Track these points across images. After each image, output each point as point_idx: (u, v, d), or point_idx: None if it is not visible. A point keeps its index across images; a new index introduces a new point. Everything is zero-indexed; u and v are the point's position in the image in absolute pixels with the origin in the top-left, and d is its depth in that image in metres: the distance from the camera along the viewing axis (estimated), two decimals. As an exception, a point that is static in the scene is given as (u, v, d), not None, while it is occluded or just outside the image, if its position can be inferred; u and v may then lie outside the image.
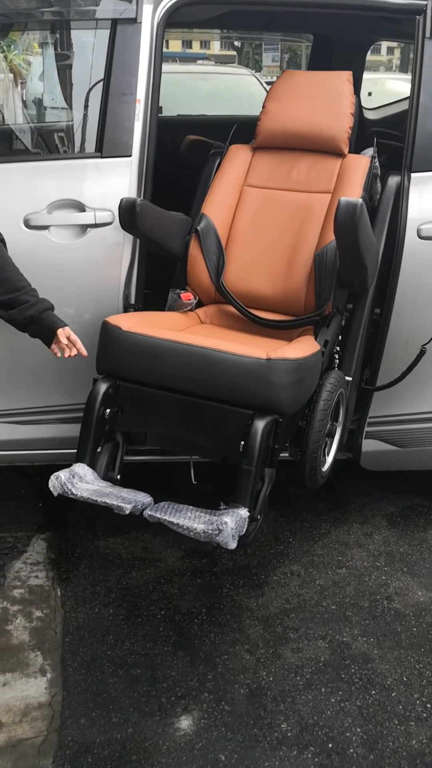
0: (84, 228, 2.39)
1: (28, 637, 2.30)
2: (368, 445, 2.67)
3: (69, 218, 2.38)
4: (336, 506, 3.03)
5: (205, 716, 2.07)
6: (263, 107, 2.67)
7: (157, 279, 2.57)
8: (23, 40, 3.71)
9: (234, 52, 21.08)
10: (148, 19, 2.37)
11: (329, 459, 2.39)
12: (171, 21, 2.44)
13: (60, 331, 2.17)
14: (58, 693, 2.12)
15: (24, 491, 3.04)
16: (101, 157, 2.40)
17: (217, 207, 2.61)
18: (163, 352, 2.15)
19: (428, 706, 2.12)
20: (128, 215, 2.30)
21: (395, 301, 2.46)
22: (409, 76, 2.75)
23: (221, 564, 2.68)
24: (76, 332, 2.33)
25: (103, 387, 2.17)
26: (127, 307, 2.50)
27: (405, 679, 2.21)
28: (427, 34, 2.37)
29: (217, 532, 1.90)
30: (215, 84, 7.51)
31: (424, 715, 2.09)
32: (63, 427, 2.58)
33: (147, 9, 2.37)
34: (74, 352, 2.19)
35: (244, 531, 1.97)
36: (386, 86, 7.58)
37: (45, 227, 2.36)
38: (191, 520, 1.96)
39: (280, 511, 2.99)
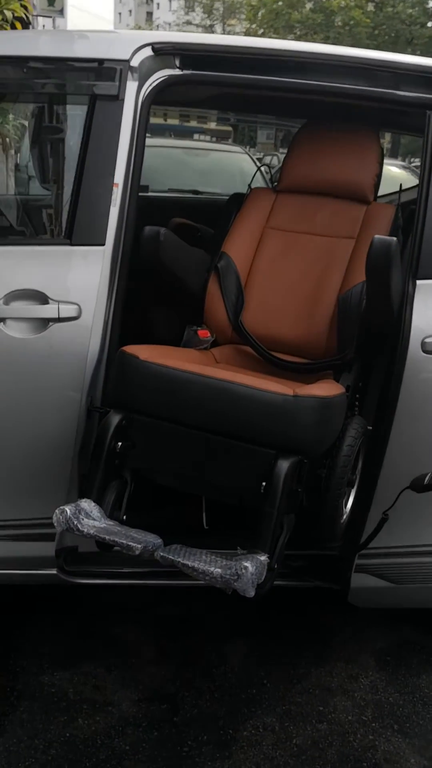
0: (45, 322, 2.10)
1: None
2: (358, 579, 2.34)
3: (29, 311, 2.09)
4: (317, 639, 2.68)
5: None
6: (288, 152, 2.65)
7: None
8: None
9: (230, 128, 21.43)
10: (132, 97, 2.15)
11: (347, 510, 2.22)
12: (157, 99, 2.22)
13: None
14: None
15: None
16: (71, 244, 2.13)
17: (238, 247, 2.58)
18: (183, 385, 2.01)
19: None
20: (152, 244, 2.27)
21: (395, 420, 2.17)
22: (398, 161, 2.65)
23: (183, 711, 2.30)
24: (29, 441, 2.09)
25: (115, 419, 2.02)
26: (91, 411, 2.20)
27: None
28: None
29: (236, 577, 1.76)
30: (209, 160, 7.47)
31: None
32: (7, 545, 2.24)
33: (131, 86, 2.14)
34: None
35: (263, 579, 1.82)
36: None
37: (1, 320, 2.08)
38: (207, 563, 1.83)
39: (254, 641, 2.63)
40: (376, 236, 2.02)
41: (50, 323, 2.10)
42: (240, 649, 2.59)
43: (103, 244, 2.14)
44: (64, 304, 2.10)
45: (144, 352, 2.08)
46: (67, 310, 2.10)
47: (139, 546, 1.87)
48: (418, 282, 2.16)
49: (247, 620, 2.73)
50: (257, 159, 8.28)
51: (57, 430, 2.17)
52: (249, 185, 2.73)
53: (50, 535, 2.25)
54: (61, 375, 2.14)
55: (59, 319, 2.10)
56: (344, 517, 2.25)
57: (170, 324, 2.98)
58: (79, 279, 2.13)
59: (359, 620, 2.77)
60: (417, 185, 2.36)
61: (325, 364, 2.40)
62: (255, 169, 7.78)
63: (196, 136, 14.79)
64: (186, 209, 3.65)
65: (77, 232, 2.13)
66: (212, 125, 21.16)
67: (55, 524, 1.91)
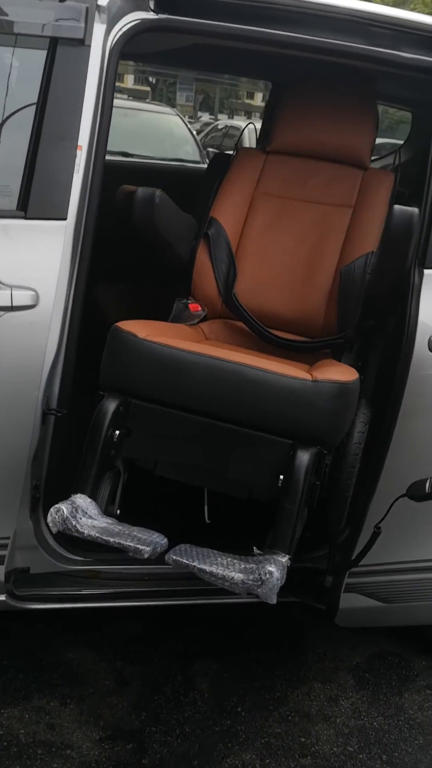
0: (-5, 311, 1.76)
1: None
2: (347, 599, 2.12)
3: (-25, 297, 1.74)
4: (290, 655, 2.46)
5: None
6: (279, 109, 2.41)
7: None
8: None
9: (148, 88, 20.74)
10: (99, 43, 1.80)
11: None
12: (125, 49, 1.88)
13: None
14: None
15: None
16: (25, 218, 1.78)
17: (227, 212, 2.36)
18: (189, 367, 1.81)
19: None
20: (146, 208, 2.08)
21: (397, 424, 1.95)
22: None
23: (152, 751, 2.04)
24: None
25: (112, 405, 1.80)
26: (47, 413, 1.88)
27: None
28: None
29: (259, 582, 1.59)
30: (137, 120, 7.07)
31: None
32: None
33: (98, 29, 1.79)
34: None
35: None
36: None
37: None
38: (225, 567, 1.63)
39: (222, 660, 2.39)
40: (397, 206, 1.86)
41: (1, 312, 1.76)
42: (208, 671, 2.34)
43: (65, 219, 1.80)
44: (18, 289, 1.76)
45: (142, 329, 1.84)
46: (22, 297, 1.76)
47: (148, 549, 1.66)
48: (426, 271, 1.93)
49: (212, 636, 2.49)
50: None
51: (8, 437, 1.85)
52: (236, 146, 2.52)
53: (-3, 558, 1.94)
54: (14, 374, 1.81)
55: (12, 308, 1.76)
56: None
57: (121, 301, 2.68)
58: (36, 259, 1.79)
59: (331, 631, 2.56)
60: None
61: (326, 342, 2.21)
62: (186, 133, 7.43)
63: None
64: (122, 173, 3.28)
65: (33, 203, 1.78)
66: (129, 84, 20.38)
67: (50, 525, 1.69)
